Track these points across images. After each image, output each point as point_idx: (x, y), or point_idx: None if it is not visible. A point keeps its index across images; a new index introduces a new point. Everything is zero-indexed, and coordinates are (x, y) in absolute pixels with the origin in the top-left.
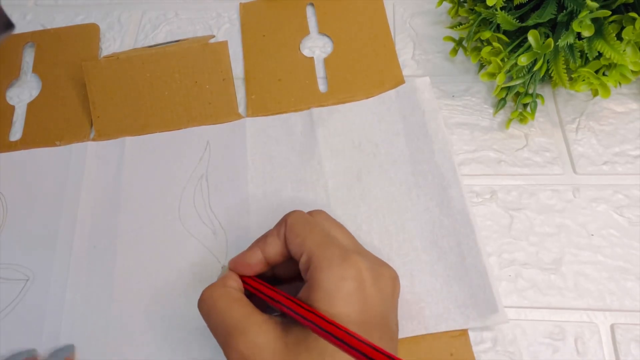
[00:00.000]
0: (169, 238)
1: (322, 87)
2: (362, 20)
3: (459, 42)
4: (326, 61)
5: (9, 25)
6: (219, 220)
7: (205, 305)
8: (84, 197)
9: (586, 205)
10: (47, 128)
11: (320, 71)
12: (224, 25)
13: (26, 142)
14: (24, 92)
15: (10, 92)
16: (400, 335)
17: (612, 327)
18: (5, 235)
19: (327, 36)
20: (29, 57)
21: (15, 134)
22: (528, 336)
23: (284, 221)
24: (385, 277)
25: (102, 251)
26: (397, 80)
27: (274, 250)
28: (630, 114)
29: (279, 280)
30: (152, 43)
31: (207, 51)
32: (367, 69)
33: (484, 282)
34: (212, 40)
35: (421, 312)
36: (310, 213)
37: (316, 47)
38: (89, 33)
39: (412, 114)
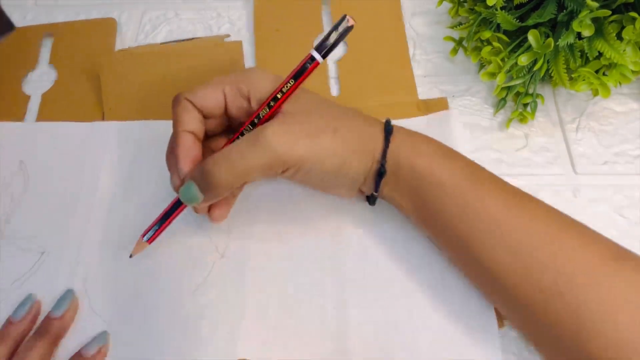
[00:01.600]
0: (181, 221)
1: (333, 89)
2: (378, 24)
3: (459, 42)
4: (339, 63)
5: (9, 25)
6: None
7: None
8: (102, 177)
9: (586, 205)
10: (60, 119)
11: (332, 74)
12: (224, 25)
13: None
14: (40, 82)
15: (26, 81)
16: None
17: None
18: (25, 208)
19: None
20: (46, 48)
21: (29, 122)
22: None
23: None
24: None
25: (115, 230)
26: (410, 87)
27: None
28: (630, 114)
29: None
30: (168, 40)
31: (221, 50)
32: (380, 74)
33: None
34: (226, 40)
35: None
36: None
37: None
38: (106, 27)
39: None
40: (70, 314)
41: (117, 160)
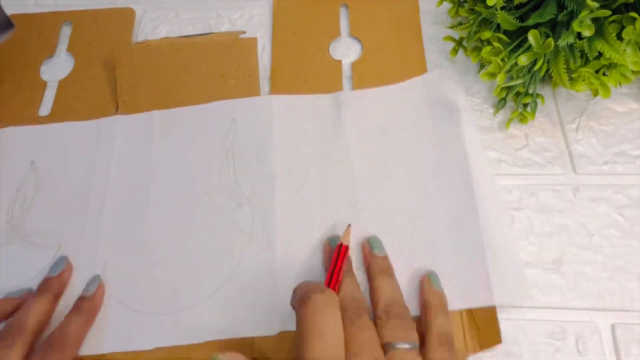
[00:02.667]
0: (196, 210)
1: (346, 89)
2: (395, 27)
3: (459, 42)
4: (354, 65)
5: (9, 25)
6: (244, 194)
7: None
8: (114, 169)
9: (586, 205)
10: (75, 107)
11: (346, 75)
12: (224, 26)
13: (54, 118)
14: (57, 69)
15: (44, 68)
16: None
17: (612, 327)
18: (39, 203)
19: (358, 39)
20: (65, 36)
21: (45, 109)
22: (529, 336)
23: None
24: None
25: (132, 220)
26: None
27: None
28: (630, 114)
29: None
30: (185, 34)
31: (236, 46)
32: (394, 78)
33: (511, 262)
34: (242, 36)
35: (445, 289)
36: None
37: (345, 51)
38: (125, 17)
39: (440, 103)
40: (67, 274)
41: (127, 152)
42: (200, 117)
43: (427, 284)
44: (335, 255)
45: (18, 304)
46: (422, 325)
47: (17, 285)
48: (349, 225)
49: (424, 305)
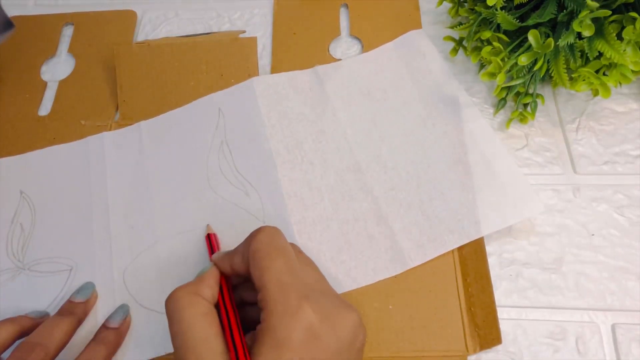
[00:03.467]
0: (205, 207)
1: None
2: (395, 27)
3: (459, 42)
4: None
5: (9, 25)
6: (248, 181)
7: (171, 308)
8: (110, 184)
9: (586, 205)
10: (75, 107)
11: None
12: (224, 26)
13: (53, 118)
14: (58, 69)
15: (45, 68)
16: (445, 249)
17: (612, 327)
18: (38, 233)
19: (358, 39)
20: (66, 37)
21: (45, 109)
22: (529, 336)
23: (249, 243)
24: (346, 326)
25: (141, 230)
26: None
27: (241, 268)
28: (630, 114)
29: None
30: (185, 34)
31: (236, 46)
32: None
33: (515, 179)
34: (242, 36)
35: (459, 224)
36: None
37: (345, 50)
38: (126, 18)
39: (414, 59)
40: (93, 301)
41: (120, 164)
42: (187, 116)
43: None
44: (207, 243)
45: (37, 323)
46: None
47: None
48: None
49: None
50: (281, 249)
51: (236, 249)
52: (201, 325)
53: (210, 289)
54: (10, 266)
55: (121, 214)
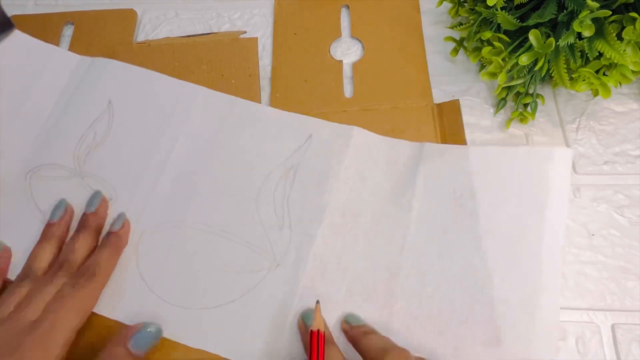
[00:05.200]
0: (240, 214)
1: (347, 92)
2: (396, 28)
3: (459, 42)
4: (355, 66)
5: (9, 25)
6: (290, 218)
7: None
8: (182, 140)
9: (587, 205)
10: None
11: (347, 76)
12: (224, 26)
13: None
14: None
15: None
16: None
17: (613, 327)
18: (104, 149)
19: (359, 40)
20: (66, 36)
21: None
22: None
23: None
24: None
25: (176, 203)
26: (425, 91)
27: None
28: (630, 114)
29: None
30: (185, 34)
31: (237, 46)
32: (395, 78)
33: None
34: (243, 36)
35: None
36: None
37: (346, 51)
38: (126, 18)
39: (536, 186)
40: (103, 209)
41: (198, 128)
42: (278, 123)
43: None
44: (314, 344)
45: (59, 244)
46: None
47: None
48: (317, 302)
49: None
50: None
51: None
52: None
53: None
54: (70, 166)
55: (172, 175)
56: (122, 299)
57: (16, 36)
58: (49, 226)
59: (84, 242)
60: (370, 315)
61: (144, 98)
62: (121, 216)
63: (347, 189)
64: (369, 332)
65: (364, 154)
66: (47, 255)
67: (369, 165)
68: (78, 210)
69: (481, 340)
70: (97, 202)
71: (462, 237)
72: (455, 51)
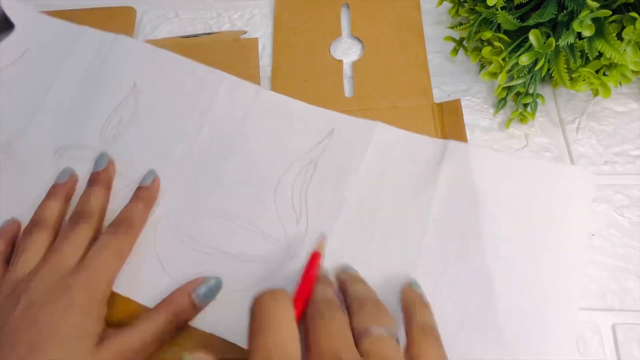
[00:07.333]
0: (257, 206)
1: (347, 91)
2: (396, 27)
3: (459, 42)
4: (355, 65)
5: (9, 25)
6: (307, 212)
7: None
8: (206, 129)
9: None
10: None
11: (347, 75)
12: (224, 26)
13: None
14: None
15: None
16: None
17: (613, 327)
18: (131, 132)
19: (359, 39)
20: None
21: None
22: None
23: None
24: None
25: (201, 186)
26: (425, 90)
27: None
28: (630, 114)
29: None
30: (185, 34)
31: (237, 46)
32: (395, 78)
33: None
34: (243, 36)
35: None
36: None
37: (346, 51)
38: (125, 16)
39: (560, 202)
40: (111, 167)
41: (222, 115)
42: (302, 116)
43: (407, 286)
44: (309, 264)
45: (66, 201)
46: (404, 322)
47: None
48: (324, 236)
49: (405, 304)
50: None
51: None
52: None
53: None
54: (97, 146)
55: (194, 161)
56: (137, 278)
57: (43, 19)
58: (54, 187)
59: (99, 194)
60: None
61: (169, 82)
62: (151, 172)
63: (366, 185)
64: (356, 279)
65: (386, 150)
66: (57, 206)
67: (390, 162)
68: None
69: (494, 349)
70: (105, 162)
71: (481, 241)
72: (455, 51)
